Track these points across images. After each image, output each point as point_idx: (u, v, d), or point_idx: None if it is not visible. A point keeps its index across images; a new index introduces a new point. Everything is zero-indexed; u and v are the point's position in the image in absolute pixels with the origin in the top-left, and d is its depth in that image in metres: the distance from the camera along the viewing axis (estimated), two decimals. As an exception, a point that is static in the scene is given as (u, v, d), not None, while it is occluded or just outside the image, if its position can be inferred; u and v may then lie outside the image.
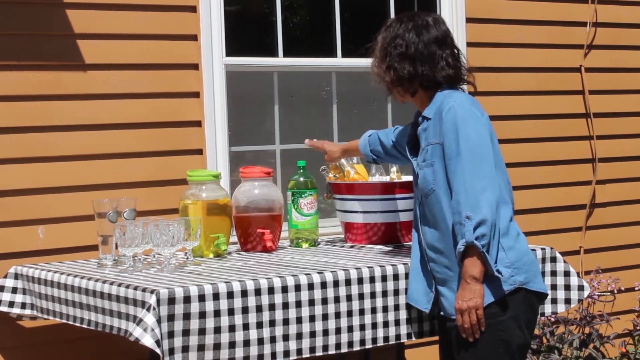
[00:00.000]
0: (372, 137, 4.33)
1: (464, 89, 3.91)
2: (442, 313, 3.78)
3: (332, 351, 3.71)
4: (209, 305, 3.46)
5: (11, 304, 4.14)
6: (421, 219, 3.81)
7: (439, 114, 3.69)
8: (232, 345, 3.50)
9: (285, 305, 3.61)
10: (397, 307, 3.84)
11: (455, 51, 3.83)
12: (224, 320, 3.49)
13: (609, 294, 5.71)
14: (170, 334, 3.40)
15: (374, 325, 3.79)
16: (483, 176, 3.58)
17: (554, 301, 4.20)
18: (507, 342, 3.64)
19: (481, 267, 3.55)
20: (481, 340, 3.62)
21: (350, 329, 3.73)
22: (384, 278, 3.83)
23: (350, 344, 3.74)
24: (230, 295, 3.51)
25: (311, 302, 3.66)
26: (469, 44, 5.45)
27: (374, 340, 3.79)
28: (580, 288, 4.24)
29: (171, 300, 3.41)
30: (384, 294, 3.82)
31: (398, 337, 3.85)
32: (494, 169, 3.62)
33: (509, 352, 3.65)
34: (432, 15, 3.86)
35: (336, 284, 3.73)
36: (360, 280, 3.77)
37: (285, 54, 5.08)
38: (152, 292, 3.40)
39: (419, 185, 3.78)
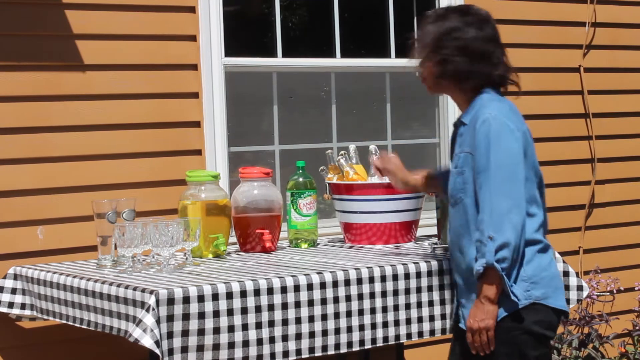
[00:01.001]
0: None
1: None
2: (460, 325, 3.71)
3: (331, 351, 3.71)
4: (208, 306, 3.46)
5: (11, 305, 4.14)
6: (450, 224, 3.73)
7: (474, 123, 3.57)
8: (231, 345, 3.50)
9: (285, 306, 3.61)
10: (396, 308, 3.84)
11: (504, 50, 3.71)
12: (223, 321, 3.49)
13: (608, 294, 5.71)
14: (170, 335, 3.40)
15: (373, 326, 3.79)
16: (510, 196, 3.46)
17: (553, 301, 4.20)
18: (524, 355, 3.56)
19: (497, 287, 3.48)
20: (498, 353, 3.55)
21: (349, 329, 3.73)
22: (383, 278, 3.83)
23: (350, 344, 3.74)
24: (229, 295, 3.51)
25: (310, 303, 3.66)
26: (468, 44, 5.44)
27: (374, 340, 3.79)
28: (580, 288, 4.24)
29: (170, 301, 3.41)
30: (383, 294, 3.82)
31: (397, 337, 3.85)
32: (522, 189, 3.50)
33: None
34: (484, 10, 3.73)
35: (335, 284, 3.73)
36: (359, 281, 3.77)
37: (284, 54, 5.08)
38: (151, 292, 3.41)
39: (448, 192, 3.69)
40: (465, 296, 3.67)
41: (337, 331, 3.70)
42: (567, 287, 4.20)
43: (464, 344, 3.66)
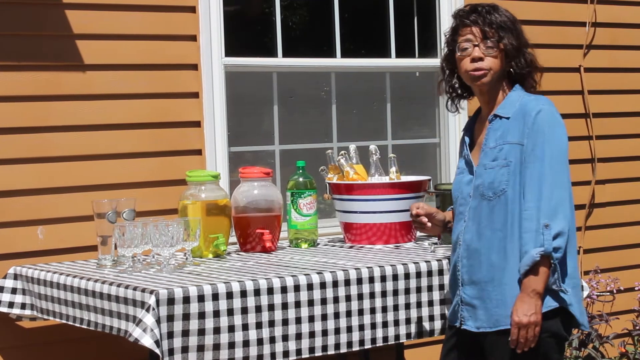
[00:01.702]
0: None
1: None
2: (471, 327, 3.60)
3: (331, 351, 3.71)
4: (208, 306, 3.46)
5: (11, 305, 4.14)
6: (471, 222, 3.63)
7: (524, 114, 3.53)
8: (231, 345, 3.50)
9: (285, 306, 3.61)
10: (396, 308, 3.84)
11: None
12: (224, 321, 3.49)
13: (608, 294, 5.71)
14: (170, 335, 3.40)
15: (373, 326, 3.79)
16: (563, 186, 3.46)
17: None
18: (548, 358, 3.51)
19: (545, 281, 3.41)
20: (521, 355, 3.46)
21: (349, 329, 3.73)
22: (383, 278, 3.83)
23: (350, 344, 3.74)
24: (229, 295, 3.51)
25: (310, 303, 3.66)
26: (468, 44, 5.44)
27: (373, 340, 3.79)
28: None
29: (170, 301, 3.41)
30: (383, 294, 3.82)
31: (397, 337, 3.85)
32: (570, 181, 3.50)
33: None
34: None
35: (335, 284, 3.73)
36: (359, 281, 3.77)
37: (285, 54, 5.08)
38: (151, 292, 3.41)
39: (484, 185, 3.56)
40: (481, 295, 3.56)
41: (337, 331, 3.70)
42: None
43: (466, 347, 3.64)
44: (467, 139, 3.75)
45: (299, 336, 3.63)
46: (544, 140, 3.48)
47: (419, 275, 3.91)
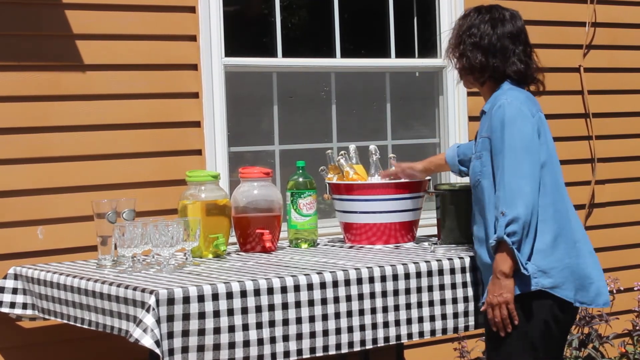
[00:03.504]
0: (461, 148, 4.32)
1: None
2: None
3: (332, 352, 3.71)
4: (209, 306, 3.46)
5: (12, 305, 4.14)
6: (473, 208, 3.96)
7: (491, 109, 3.80)
8: (231, 345, 3.50)
9: (285, 306, 3.61)
10: (396, 308, 3.84)
11: (528, 49, 3.95)
12: (224, 321, 3.49)
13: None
14: (170, 335, 3.40)
15: (374, 326, 3.79)
16: (523, 175, 3.68)
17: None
18: (526, 334, 3.71)
19: (511, 263, 3.66)
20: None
21: (350, 329, 3.73)
22: (383, 278, 3.82)
23: (351, 344, 3.74)
24: (229, 295, 3.51)
25: (310, 303, 3.66)
26: (468, 44, 5.44)
27: (374, 340, 3.79)
28: (580, 288, 4.24)
29: (170, 301, 3.41)
30: (384, 294, 3.82)
31: (398, 337, 3.85)
32: (537, 169, 3.72)
33: (529, 344, 3.72)
34: (510, 10, 3.99)
35: (335, 284, 3.73)
36: (359, 281, 3.77)
37: (284, 54, 5.08)
38: (151, 292, 3.40)
39: (469, 176, 3.94)
40: (486, 276, 3.84)
41: (338, 331, 3.70)
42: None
43: (486, 326, 3.83)
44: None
45: (299, 336, 3.63)
46: (503, 134, 3.72)
47: (419, 275, 3.91)
